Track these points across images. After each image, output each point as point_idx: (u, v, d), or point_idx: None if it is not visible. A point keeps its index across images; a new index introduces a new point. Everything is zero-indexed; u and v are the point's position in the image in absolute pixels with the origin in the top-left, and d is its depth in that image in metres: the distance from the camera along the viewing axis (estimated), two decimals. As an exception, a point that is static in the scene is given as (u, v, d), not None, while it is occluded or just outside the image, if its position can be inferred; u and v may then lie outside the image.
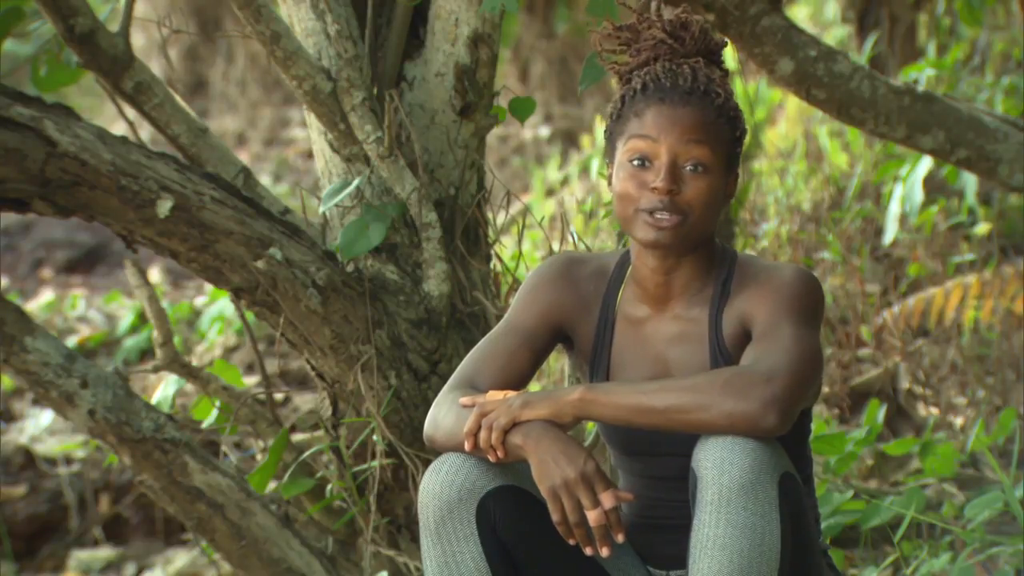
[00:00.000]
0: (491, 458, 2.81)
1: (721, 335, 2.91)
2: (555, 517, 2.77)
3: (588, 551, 2.78)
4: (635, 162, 2.89)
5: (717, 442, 2.72)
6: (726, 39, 3.01)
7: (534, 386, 5.09)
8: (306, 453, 3.99)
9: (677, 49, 2.94)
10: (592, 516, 2.75)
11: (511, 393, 2.84)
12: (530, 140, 9.84)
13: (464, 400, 2.86)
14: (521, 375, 2.97)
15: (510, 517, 2.83)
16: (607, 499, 2.75)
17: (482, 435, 2.80)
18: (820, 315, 2.89)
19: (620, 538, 2.77)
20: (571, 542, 2.78)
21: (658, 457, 2.94)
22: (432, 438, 2.91)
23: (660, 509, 2.97)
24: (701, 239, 2.91)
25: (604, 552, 2.76)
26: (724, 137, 2.89)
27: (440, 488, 2.82)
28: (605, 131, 2.98)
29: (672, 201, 2.86)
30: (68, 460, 6.50)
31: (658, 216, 2.87)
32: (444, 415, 2.89)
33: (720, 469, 2.70)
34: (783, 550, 2.71)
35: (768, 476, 2.70)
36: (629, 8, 3.02)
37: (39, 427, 6.63)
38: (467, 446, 2.82)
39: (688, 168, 2.87)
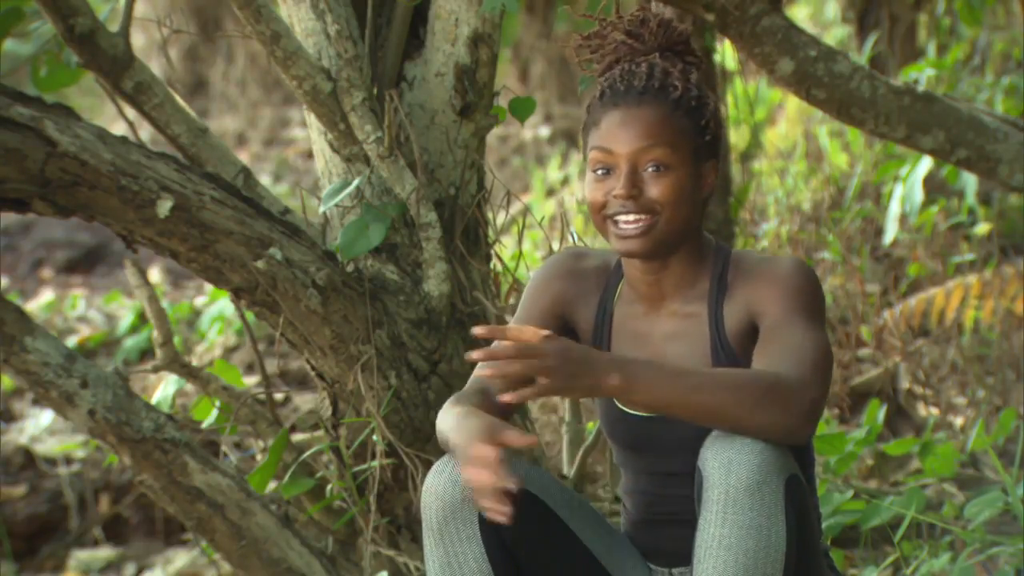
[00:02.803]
0: (501, 387, 2.71)
1: (723, 329, 2.92)
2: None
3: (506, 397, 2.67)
4: (598, 171, 2.90)
5: (724, 442, 2.72)
6: (689, 29, 3.01)
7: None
8: (306, 453, 3.99)
9: (638, 47, 2.95)
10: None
11: (543, 332, 2.70)
12: (530, 140, 9.84)
13: (478, 356, 2.71)
14: None
15: (512, 518, 2.82)
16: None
17: (510, 368, 2.67)
18: (825, 307, 2.90)
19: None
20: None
21: (661, 453, 2.94)
22: (443, 440, 2.90)
23: (663, 505, 2.97)
24: (681, 236, 2.91)
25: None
26: (685, 130, 2.89)
27: (443, 489, 2.82)
28: (581, 142, 3.00)
29: (635, 204, 2.86)
30: (68, 460, 6.49)
31: (624, 224, 2.87)
32: (446, 421, 2.89)
33: (727, 469, 2.70)
34: (788, 551, 2.71)
35: (775, 477, 2.70)
36: (591, 17, 3.02)
37: (39, 427, 6.63)
38: (488, 371, 2.69)
39: (649, 169, 2.87)
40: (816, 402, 2.74)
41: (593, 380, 2.68)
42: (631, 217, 2.87)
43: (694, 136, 2.90)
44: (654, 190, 2.87)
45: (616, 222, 2.88)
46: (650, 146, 2.87)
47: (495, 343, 2.72)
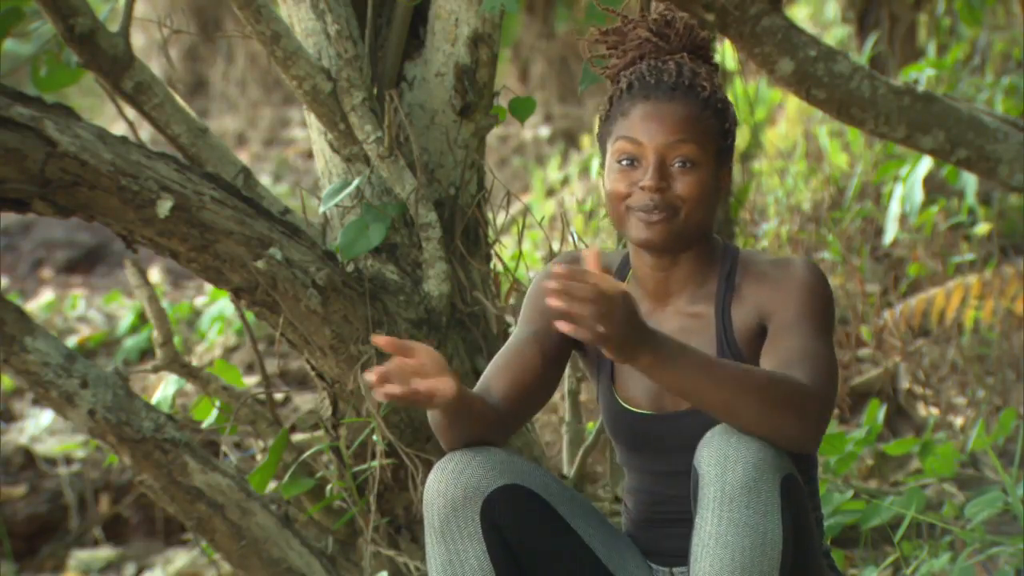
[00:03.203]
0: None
1: (730, 329, 2.92)
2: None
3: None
4: (623, 162, 2.90)
5: (720, 440, 2.72)
6: (711, 34, 3.02)
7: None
8: (306, 453, 3.99)
9: (662, 46, 2.95)
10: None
11: (621, 287, 2.65)
12: (530, 140, 9.84)
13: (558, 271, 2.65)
14: (536, 375, 2.96)
15: (514, 516, 2.83)
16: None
17: (571, 307, 2.62)
18: (835, 314, 2.92)
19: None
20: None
21: (665, 452, 2.95)
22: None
23: (666, 504, 2.97)
24: (696, 234, 2.91)
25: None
26: (712, 131, 2.90)
27: (445, 487, 2.82)
28: (597, 133, 2.99)
29: (662, 198, 2.87)
30: (68, 460, 6.49)
31: (645, 215, 2.87)
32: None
33: (723, 467, 2.70)
34: (785, 549, 2.71)
35: (771, 475, 2.70)
36: (614, 12, 3.03)
37: (39, 427, 6.62)
38: (556, 301, 2.62)
39: (676, 164, 2.88)
40: (829, 414, 2.77)
41: (635, 347, 2.65)
42: (655, 209, 2.87)
43: (718, 138, 2.91)
44: (679, 186, 2.88)
45: (638, 213, 2.89)
46: (680, 141, 2.88)
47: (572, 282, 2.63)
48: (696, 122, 2.89)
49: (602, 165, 2.98)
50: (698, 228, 2.91)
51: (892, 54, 7.28)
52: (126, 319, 7.50)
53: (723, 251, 2.98)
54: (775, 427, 2.71)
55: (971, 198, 5.91)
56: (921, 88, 4.06)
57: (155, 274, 8.31)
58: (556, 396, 4.49)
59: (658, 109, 2.88)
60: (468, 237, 3.96)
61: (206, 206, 3.66)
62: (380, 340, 2.72)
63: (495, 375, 2.97)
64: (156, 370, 4.04)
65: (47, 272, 8.82)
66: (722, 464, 2.70)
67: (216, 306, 7.18)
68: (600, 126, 2.97)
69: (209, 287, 7.19)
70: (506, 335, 3.96)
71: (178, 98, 4.00)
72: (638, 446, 2.99)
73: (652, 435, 2.94)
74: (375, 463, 3.85)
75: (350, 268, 3.84)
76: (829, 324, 2.87)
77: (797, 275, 2.89)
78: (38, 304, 8.00)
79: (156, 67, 7.79)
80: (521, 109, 3.92)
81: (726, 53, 6.25)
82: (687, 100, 2.89)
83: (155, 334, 4.00)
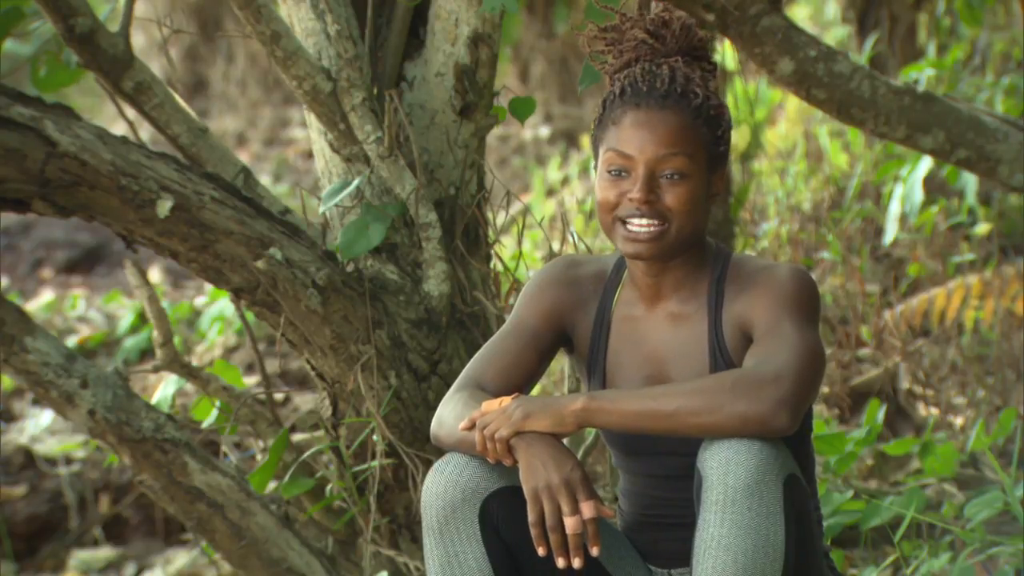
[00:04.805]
0: (506, 463, 2.81)
1: (721, 333, 2.92)
2: (531, 519, 2.76)
3: (560, 562, 2.76)
4: (612, 172, 2.89)
5: (723, 443, 2.72)
6: (711, 34, 3.01)
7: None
8: (306, 453, 3.99)
9: (658, 48, 2.94)
10: (569, 523, 2.74)
11: (507, 400, 2.84)
12: (530, 140, 9.84)
13: (463, 425, 2.86)
14: (528, 375, 2.98)
15: (513, 518, 2.83)
16: (587, 508, 2.75)
17: (488, 447, 2.80)
18: (818, 312, 2.89)
19: (595, 551, 2.76)
20: (541, 551, 2.76)
21: (659, 456, 2.95)
22: (438, 437, 2.93)
23: (662, 507, 2.97)
24: (687, 243, 2.91)
25: (576, 563, 2.75)
26: (703, 139, 2.89)
27: (444, 488, 2.82)
28: (590, 135, 2.98)
29: (650, 209, 2.86)
30: (68, 460, 6.49)
31: (635, 227, 2.87)
32: (449, 414, 2.90)
33: (725, 469, 2.70)
34: (787, 551, 2.71)
35: (773, 477, 2.70)
36: (613, 10, 3.02)
37: (39, 427, 6.62)
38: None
39: (666, 175, 2.87)
40: (795, 393, 2.73)
41: (558, 414, 2.78)
42: (644, 221, 2.87)
43: (710, 146, 2.90)
44: (669, 197, 2.87)
45: (626, 224, 2.88)
46: (671, 154, 2.86)
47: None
48: (687, 132, 2.87)
49: (595, 167, 2.97)
50: (688, 237, 2.90)
51: (892, 54, 7.28)
52: (126, 319, 7.50)
53: (715, 254, 2.97)
54: (728, 417, 2.71)
55: (971, 198, 5.91)
56: (921, 88, 4.06)
57: (155, 274, 8.31)
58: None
59: (649, 118, 2.87)
60: (468, 237, 3.96)
61: (206, 206, 3.66)
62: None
63: (488, 367, 2.97)
64: (156, 370, 4.04)
65: (47, 272, 8.82)
66: (724, 467, 2.70)
67: (216, 306, 7.18)
68: (593, 129, 2.96)
69: (209, 287, 7.19)
70: (506, 335, 3.96)
71: (178, 98, 4.00)
72: (633, 451, 2.99)
73: (646, 439, 2.93)
74: (375, 463, 3.85)
75: (350, 268, 3.84)
76: (805, 316, 2.84)
77: (775, 283, 2.87)
78: (38, 304, 8.00)
79: (156, 67, 7.79)
80: (521, 109, 3.91)
81: (726, 53, 6.25)
82: (678, 109, 2.87)
83: (155, 334, 4.00)
